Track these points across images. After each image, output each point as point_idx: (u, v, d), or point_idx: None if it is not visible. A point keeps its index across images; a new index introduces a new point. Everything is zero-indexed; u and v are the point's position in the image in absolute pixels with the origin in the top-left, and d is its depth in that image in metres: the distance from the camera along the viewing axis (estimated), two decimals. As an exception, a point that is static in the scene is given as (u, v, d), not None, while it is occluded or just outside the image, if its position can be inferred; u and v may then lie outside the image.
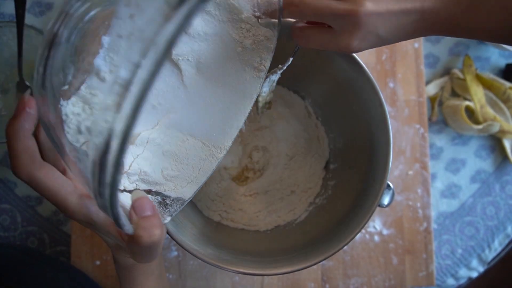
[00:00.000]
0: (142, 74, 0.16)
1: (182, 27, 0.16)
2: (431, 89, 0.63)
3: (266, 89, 0.39)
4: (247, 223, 0.49)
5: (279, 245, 0.46)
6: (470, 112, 0.62)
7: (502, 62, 0.65)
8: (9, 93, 0.53)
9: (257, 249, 0.46)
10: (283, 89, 0.51)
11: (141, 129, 0.30)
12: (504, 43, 0.31)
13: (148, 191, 0.31)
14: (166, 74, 0.30)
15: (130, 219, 0.22)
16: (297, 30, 0.33)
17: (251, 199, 0.50)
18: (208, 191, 0.49)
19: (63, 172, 0.25)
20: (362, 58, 0.40)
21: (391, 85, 0.59)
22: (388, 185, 0.39)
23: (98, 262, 0.53)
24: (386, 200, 0.40)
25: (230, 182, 0.51)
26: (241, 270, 0.36)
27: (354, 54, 0.40)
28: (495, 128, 0.60)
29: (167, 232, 0.37)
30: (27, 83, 0.54)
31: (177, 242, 0.37)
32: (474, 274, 0.63)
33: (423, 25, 0.30)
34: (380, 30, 0.30)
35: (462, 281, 0.62)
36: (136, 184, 0.29)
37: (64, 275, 0.49)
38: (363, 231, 0.57)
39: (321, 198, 0.50)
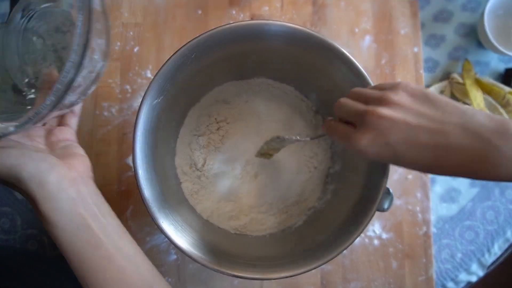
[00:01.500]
0: None
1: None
2: (431, 93, 0.63)
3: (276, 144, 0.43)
4: (247, 229, 0.49)
5: (278, 249, 0.46)
6: None
7: (502, 67, 0.65)
8: (6, 94, 0.53)
9: (256, 253, 0.46)
10: (289, 87, 0.51)
11: None
12: None
13: None
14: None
15: None
16: (328, 122, 0.36)
17: (251, 204, 0.50)
18: (208, 196, 0.49)
19: None
20: (362, 62, 0.40)
21: (390, 89, 0.59)
22: (388, 190, 0.40)
23: (97, 266, 0.53)
24: (385, 204, 0.40)
25: (231, 187, 0.51)
26: (240, 274, 0.36)
27: (352, 58, 0.40)
28: (495, 133, 0.60)
29: (166, 236, 0.37)
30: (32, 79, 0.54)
31: (175, 246, 0.37)
32: (474, 279, 0.62)
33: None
34: (391, 137, 0.29)
35: (462, 286, 0.62)
36: None
37: (64, 277, 0.50)
38: (362, 235, 0.57)
39: (320, 202, 0.50)
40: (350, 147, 0.32)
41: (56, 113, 0.32)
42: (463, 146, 0.27)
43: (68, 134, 0.36)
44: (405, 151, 0.29)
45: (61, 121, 0.37)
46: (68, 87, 0.29)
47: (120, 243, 0.33)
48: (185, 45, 0.38)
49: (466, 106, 0.29)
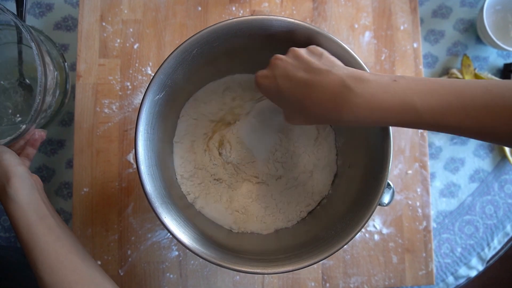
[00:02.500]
0: None
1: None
2: (430, 88, 0.63)
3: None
4: (247, 228, 0.48)
5: (280, 244, 0.47)
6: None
7: (500, 62, 0.66)
8: (10, 91, 0.54)
9: (257, 248, 0.46)
10: None
11: None
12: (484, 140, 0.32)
13: None
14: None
15: None
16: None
17: (254, 203, 0.50)
18: (210, 193, 0.49)
19: None
20: (362, 58, 0.41)
21: (390, 85, 0.59)
22: (388, 184, 0.40)
23: (99, 262, 0.53)
24: (386, 199, 0.40)
25: (235, 185, 0.50)
26: (241, 268, 0.37)
27: (353, 53, 0.40)
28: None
29: (169, 231, 0.37)
30: (28, 82, 0.54)
31: (178, 241, 0.37)
32: (474, 273, 0.63)
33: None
34: (276, 71, 0.36)
35: (462, 280, 0.63)
36: None
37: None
38: (363, 230, 0.57)
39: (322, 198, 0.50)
40: (255, 84, 0.39)
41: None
42: (327, 84, 0.33)
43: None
44: (284, 84, 0.35)
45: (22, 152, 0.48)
46: (45, 90, 0.45)
47: (61, 223, 0.41)
48: (186, 40, 0.38)
49: (339, 61, 0.35)
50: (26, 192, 0.39)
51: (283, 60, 0.36)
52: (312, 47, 0.36)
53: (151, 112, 0.39)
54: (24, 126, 0.46)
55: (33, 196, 0.40)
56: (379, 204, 0.39)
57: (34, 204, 0.39)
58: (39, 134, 0.48)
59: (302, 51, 0.36)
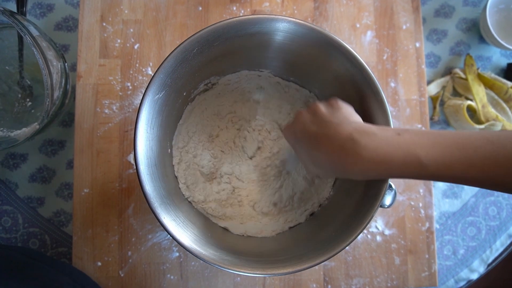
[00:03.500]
0: None
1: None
2: (433, 88, 0.63)
3: None
4: (247, 231, 0.48)
5: (281, 245, 0.46)
6: (471, 111, 0.62)
7: (504, 62, 0.65)
8: (10, 91, 0.54)
9: (258, 250, 0.46)
10: (290, 84, 0.51)
11: None
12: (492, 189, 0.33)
13: None
14: None
15: None
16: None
17: (254, 205, 0.50)
18: (209, 195, 0.49)
19: None
20: (363, 57, 0.40)
21: (392, 84, 0.59)
22: (390, 186, 0.39)
23: (99, 263, 0.53)
24: (388, 200, 0.40)
25: (235, 187, 0.50)
26: (242, 270, 0.36)
27: (356, 54, 0.40)
28: (497, 128, 0.60)
29: (168, 232, 0.37)
30: (28, 82, 0.54)
31: (178, 243, 0.37)
32: (476, 275, 0.62)
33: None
34: (296, 126, 0.39)
35: (463, 282, 0.62)
36: None
37: (65, 276, 0.49)
38: (365, 231, 0.56)
39: (324, 199, 0.49)
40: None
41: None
42: (333, 137, 0.34)
43: None
44: (300, 137, 0.38)
45: None
46: (52, 87, 0.45)
47: None
48: (186, 39, 0.38)
49: (355, 117, 0.37)
50: None
51: (303, 115, 0.39)
52: (333, 100, 0.38)
53: (151, 111, 0.39)
54: (37, 126, 0.46)
55: None
56: (381, 206, 0.39)
57: None
58: None
59: (320, 106, 0.38)
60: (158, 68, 0.38)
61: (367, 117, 0.42)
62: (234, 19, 0.39)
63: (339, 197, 0.48)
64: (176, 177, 0.48)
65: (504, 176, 0.30)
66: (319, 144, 0.35)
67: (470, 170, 0.31)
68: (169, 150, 0.47)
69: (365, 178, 0.35)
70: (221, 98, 0.51)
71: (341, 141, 0.34)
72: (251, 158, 0.51)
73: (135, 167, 0.53)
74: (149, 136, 0.39)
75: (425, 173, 0.32)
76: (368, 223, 0.38)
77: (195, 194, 0.48)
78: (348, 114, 0.37)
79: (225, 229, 0.48)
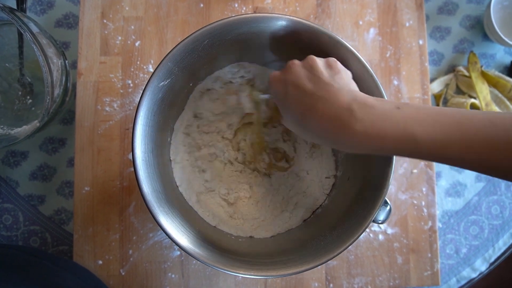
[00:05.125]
0: None
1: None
2: (436, 86, 0.62)
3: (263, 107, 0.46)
4: (247, 232, 0.48)
5: (280, 246, 0.46)
6: (475, 109, 0.61)
7: (508, 59, 0.65)
8: (11, 89, 0.53)
9: (259, 251, 0.45)
10: None
11: None
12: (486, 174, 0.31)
13: None
14: None
15: None
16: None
17: (253, 207, 0.50)
18: (209, 195, 0.48)
19: None
20: (366, 55, 0.40)
21: (395, 82, 0.58)
22: (386, 202, 0.39)
23: (100, 262, 0.52)
24: (381, 216, 0.39)
25: (231, 186, 0.50)
26: (243, 272, 0.36)
27: (356, 52, 0.39)
28: (501, 126, 0.59)
29: (166, 232, 0.36)
30: (28, 79, 0.53)
31: (176, 244, 0.36)
32: (478, 274, 0.62)
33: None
34: (288, 76, 0.36)
35: (466, 281, 0.62)
36: None
37: (68, 272, 0.49)
38: (367, 230, 0.56)
39: (325, 201, 0.49)
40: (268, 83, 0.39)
41: None
42: (331, 102, 0.32)
43: None
44: (292, 90, 0.35)
45: None
46: (53, 84, 0.45)
47: None
48: (199, 30, 0.37)
49: (354, 84, 0.35)
50: None
51: (297, 67, 0.36)
52: (332, 60, 0.36)
53: (154, 98, 0.38)
54: (38, 124, 0.46)
55: None
56: (373, 221, 0.38)
57: None
58: None
59: (319, 62, 0.35)
60: (166, 55, 0.37)
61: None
62: (249, 15, 0.39)
63: (340, 196, 0.47)
64: (174, 177, 0.48)
65: (504, 162, 0.28)
66: (314, 106, 0.33)
67: (467, 152, 0.29)
68: (168, 138, 0.47)
69: (356, 151, 0.33)
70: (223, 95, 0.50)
71: (338, 109, 0.32)
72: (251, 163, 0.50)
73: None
74: (149, 122, 0.38)
75: (419, 152, 0.30)
76: (357, 237, 0.37)
77: (193, 194, 0.48)
78: (348, 80, 0.35)
79: (224, 230, 0.48)
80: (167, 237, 0.53)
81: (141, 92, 0.55)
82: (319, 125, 0.33)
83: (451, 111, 0.30)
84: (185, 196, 0.47)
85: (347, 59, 0.40)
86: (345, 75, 0.35)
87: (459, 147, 0.29)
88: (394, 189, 0.57)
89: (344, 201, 0.45)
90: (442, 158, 0.30)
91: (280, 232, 0.48)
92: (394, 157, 0.38)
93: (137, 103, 0.55)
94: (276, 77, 0.37)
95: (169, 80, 0.39)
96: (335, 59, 0.36)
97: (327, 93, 0.33)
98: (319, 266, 0.54)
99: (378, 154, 0.36)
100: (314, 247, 0.41)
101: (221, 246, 0.41)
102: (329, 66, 0.35)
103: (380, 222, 0.40)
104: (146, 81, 0.55)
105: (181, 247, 0.36)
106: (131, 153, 0.54)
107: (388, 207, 0.40)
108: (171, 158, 0.47)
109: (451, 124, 0.29)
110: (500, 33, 0.58)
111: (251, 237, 0.47)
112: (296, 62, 0.36)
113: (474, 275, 0.62)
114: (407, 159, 0.57)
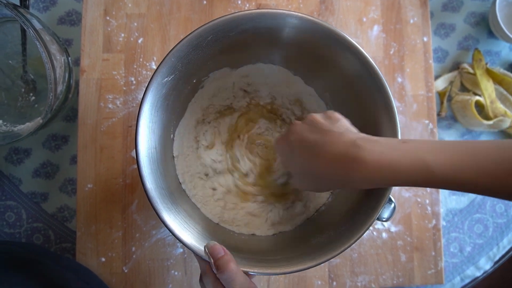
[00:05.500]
0: None
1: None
2: (440, 84, 0.62)
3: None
4: (251, 229, 0.48)
5: (284, 244, 0.46)
6: (479, 107, 0.61)
7: (513, 56, 0.64)
8: (14, 86, 0.53)
9: (262, 248, 0.45)
10: (298, 78, 0.50)
11: None
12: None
13: None
14: None
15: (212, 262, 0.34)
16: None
17: (255, 204, 0.49)
18: (211, 193, 0.48)
19: None
20: (370, 52, 0.40)
21: (399, 80, 0.58)
22: (390, 200, 0.39)
23: (103, 259, 0.52)
24: (386, 214, 0.39)
25: (233, 184, 0.50)
26: (247, 270, 0.36)
27: (361, 49, 0.39)
28: (506, 124, 0.59)
29: (169, 229, 0.36)
30: (31, 76, 0.53)
31: (180, 241, 0.36)
32: (482, 273, 0.62)
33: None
34: (291, 137, 0.38)
35: (470, 280, 0.61)
36: None
37: (70, 273, 0.49)
38: (371, 228, 0.56)
39: (328, 199, 0.49)
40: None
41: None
42: (336, 144, 0.33)
43: None
44: (297, 148, 0.36)
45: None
46: (56, 81, 0.45)
47: None
48: (202, 26, 0.37)
49: (354, 128, 0.36)
50: None
51: (298, 125, 0.37)
52: (330, 112, 0.37)
53: (158, 94, 0.38)
54: (41, 121, 0.46)
55: None
56: (378, 219, 0.38)
57: None
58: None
59: (318, 116, 0.37)
60: (169, 51, 0.37)
61: (372, 112, 0.41)
62: (253, 11, 0.38)
63: (336, 204, 0.47)
64: (177, 173, 0.47)
65: None
66: (320, 151, 0.34)
67: (481, 176, 0.29)
68: (171, 135, 0.46)
69: (369, 186, 0.33)
70: (228, 91, 0.50)
71: (344, 148, 0.33)
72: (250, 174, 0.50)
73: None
74: (153, 118, 0.38)
75: (434, 179, 0.30)
76: (361, 235, 0.37)
77: (196, 191, 0.48)
78: (348, 125, 0.36)
79: (226, 227, 0.47)
80: (170, 234, 0.53)
81: (144, 89, 0.55)
82: (328, 167, 0.34)
83: (458, 141, 0.31)
84: (187, 193, 0.47)
85: (350, 56, 0.40)
86: (344, 121, 0.36)
87: (472, 172, 0.29)
88: (398, 187, 0.57)
89: (348, 199, 0.44)
90: (457, 184, 0.30)
91: (283, 230, 0.48)
92: (400, 135, 0.38)
93: (140, 100, 0.55)
94: (281, 139, 0.39)
95: (172, 76, 0.39)
96: (333, 111, 0.38)
97: (331, 137, 0.34)
98: (322, 264, 0.54)
99: (390, 185, 0.35)
100: (317, 245, 0.41)
101: (224, 243, 0.40)
102: (329, 117, 0.36)
103: (384, 219, 0.39)
104: (149, 78, 0.55)
105: (184, 244, 0.36)
106: (134, 150, 0.54)
107: (392, 205, 0.40)
108: (174, 155, 0.47)
109: (460, 151, 0.30)
110: (505, 30, 0.58)
111: (253, 234, 0.47)
112: (297, 122, 0.38)
113: (478, 273, 0.61)
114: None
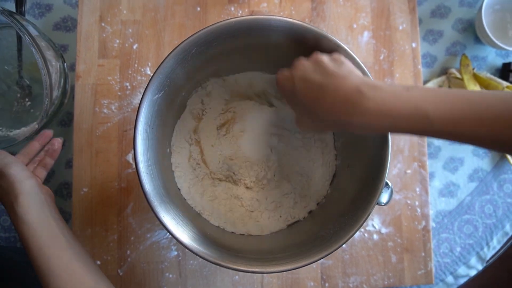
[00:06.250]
0: None
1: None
2: (429, 88, 0.63)
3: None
4: (248, 230, 0.48)
5: (279, 243, 0.47)
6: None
7: (499, 61, 0.66)
8: (9, 91, 0.54)
9: (256, 248, 0.46)
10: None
11: None
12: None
13: None
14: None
15: None
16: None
17: (251, 204, 0.50)
18: (207, 194, 0.49)
19: None
20: (360, 58, 0.41)
21: (389, 84, 0.59)
22: (387, 184, 0.40)
23: (98, 262, 0.53)
24: (384, 198, 0.40)
25: (232, 187, 0.50)
26: (241, 268, 0.37)
27: (351, 52, 0.40)
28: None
29: (167, 230, 0.37)
30: (27, 81, 0.54)
31: (177, 240, 0.37)
32: (473, 272, 0.63)
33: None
34: (295, 72, 0.37)
35: (461, 279, 0.63)
36: None
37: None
38: (362, 229, 0.57)
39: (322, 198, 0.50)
40: (275, 82, 0.40)
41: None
42: (340, 88, 0.33)
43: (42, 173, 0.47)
44: (300, 85, 0.36)
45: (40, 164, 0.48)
46: (51, 87, 0.46)
47: (73, 242, 0.40)
48: (185, 40, 0.38)
49: (358, 71, 0.36)
50: (36, 210, 0.38)
51: (303, 62, 0.37)
52: (336, 55, 0.37)
53: (150, 111, 0.39)
54: (37, 126, 0.46)
55: (43, 215, 0.39)
56: (377, 204, 0.39)
57: (45, 223, 0.39)
58: (58, 145, 0.47)
59: (324, 57, 0.36)
60: (156, 69, 0.38)
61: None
62: (232, 19, 0.39)
63: (336, 195, 0.48)
64: (174, 176, 0.48)
65: None
66: (323, 93, 0.34)
67: (479, 128, 0.29)
68: (168, 149, 0.48)
69: (367, 131, 0.34)
70: (218, 99, 0.51)
71: (347, 92, 0.33)
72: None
73: (134, 167, 0.54)
74: (148, 135, 0.39)
75: (432, 129, 0.30)
76: (364, 221, 0.38)
77: (193, 194, 0.48)
78: (352, 68, 0.36)
79: (223, 228, 0.48)
80: (164, 237, 0.54)
81: (139, 94, 0.56)
82: (331, 110, 0.34)
83: (459, 91, 0.31)
84: (184, 195, 0.48)
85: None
86: (350, 65, 0.36)
87: (471, 122, 0.29)
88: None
89: (346, 187, 0.46)
90: (455, 135, 0.30)
91: (283, 228, 0.48)
92: (390, 139, 0.39)
93: (135, 105, 0.56)
94: (284, 74, 0.39)
95: (162, 92, 0.40)
96: (339, 54, 0.37)
97: (335, 79, 0.34)
98: (314, 265, 0.55)
99: (391, 132, 0.36)
100: (319, 238, 0.41)
101: (222, 244, 0.41)
102: (334, 60, 0.36)
103: (383, 204, 0.40)
104: (144, 84, 0.56)
105: (183, 244, 0.37)
106: (129, 154, 0.55)
107: (389, 189, 0.40)
108: (171, 161, 0.48)
109: (461, 102, 0.30)
110: (491, 36, 0.59)
111: (250, 235, 0.48)
112: (302, 59, 0.38)
113: (469, 273, 0.63)
114: (401, 160, 0.58)
